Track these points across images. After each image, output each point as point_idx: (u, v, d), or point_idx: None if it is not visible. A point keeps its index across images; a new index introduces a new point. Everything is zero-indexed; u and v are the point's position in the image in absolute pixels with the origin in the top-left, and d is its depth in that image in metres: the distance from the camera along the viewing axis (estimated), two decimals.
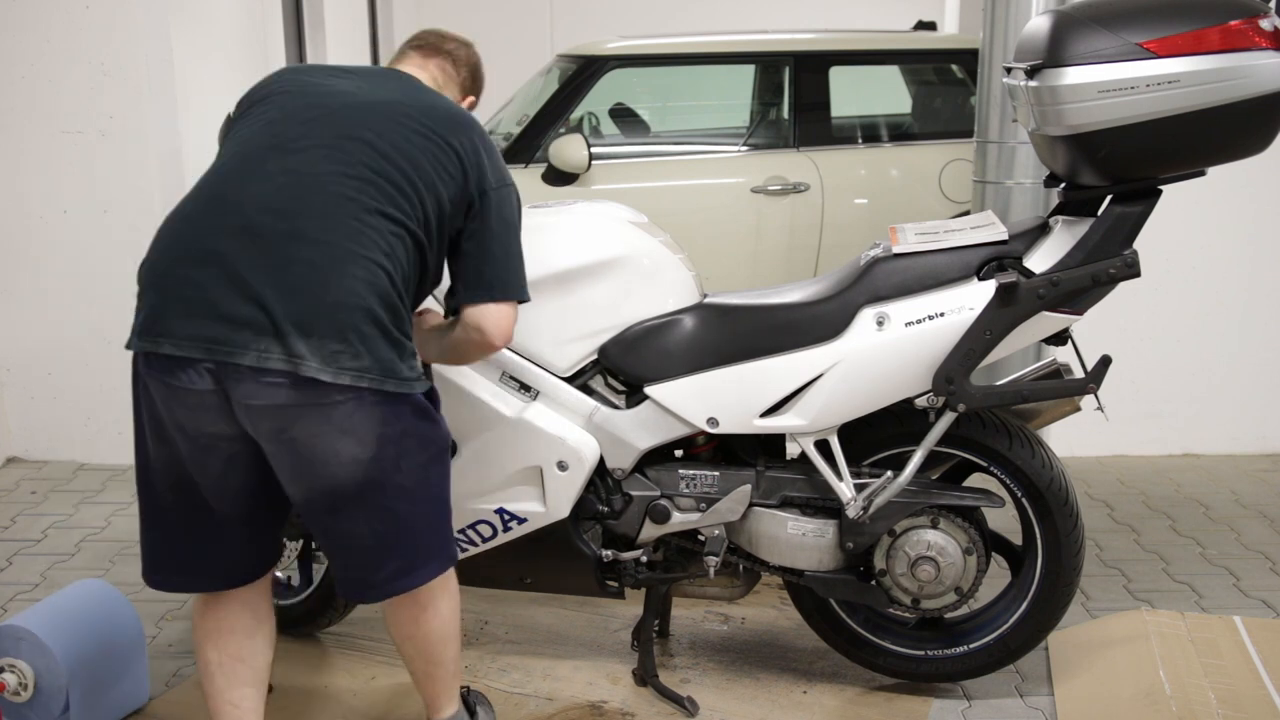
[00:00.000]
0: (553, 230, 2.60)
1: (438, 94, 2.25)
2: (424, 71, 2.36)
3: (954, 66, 5.11)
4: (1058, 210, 2.50)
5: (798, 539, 2.56)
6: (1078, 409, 2.61)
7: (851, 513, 2.49)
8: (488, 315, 2.17)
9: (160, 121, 4.15)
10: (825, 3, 12.40)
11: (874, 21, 12.52)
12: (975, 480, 2.70)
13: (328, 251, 1.93)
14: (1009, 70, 2.47)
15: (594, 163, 4.52)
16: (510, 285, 2.19)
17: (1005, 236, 2.44)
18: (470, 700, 2.46)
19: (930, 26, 5.52)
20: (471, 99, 2.45)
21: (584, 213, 2.66)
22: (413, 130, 2.08)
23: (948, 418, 2.44)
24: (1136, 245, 2.33)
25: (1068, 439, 4.16)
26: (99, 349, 4.21)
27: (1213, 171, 2.34)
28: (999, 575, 2.77)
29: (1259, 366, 4.27)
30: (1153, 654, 2.75)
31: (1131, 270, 2.31)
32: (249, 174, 2.00)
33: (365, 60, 10.69)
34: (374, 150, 2.02)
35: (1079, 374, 2.50)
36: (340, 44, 9.26)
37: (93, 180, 4.11)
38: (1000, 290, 2.33)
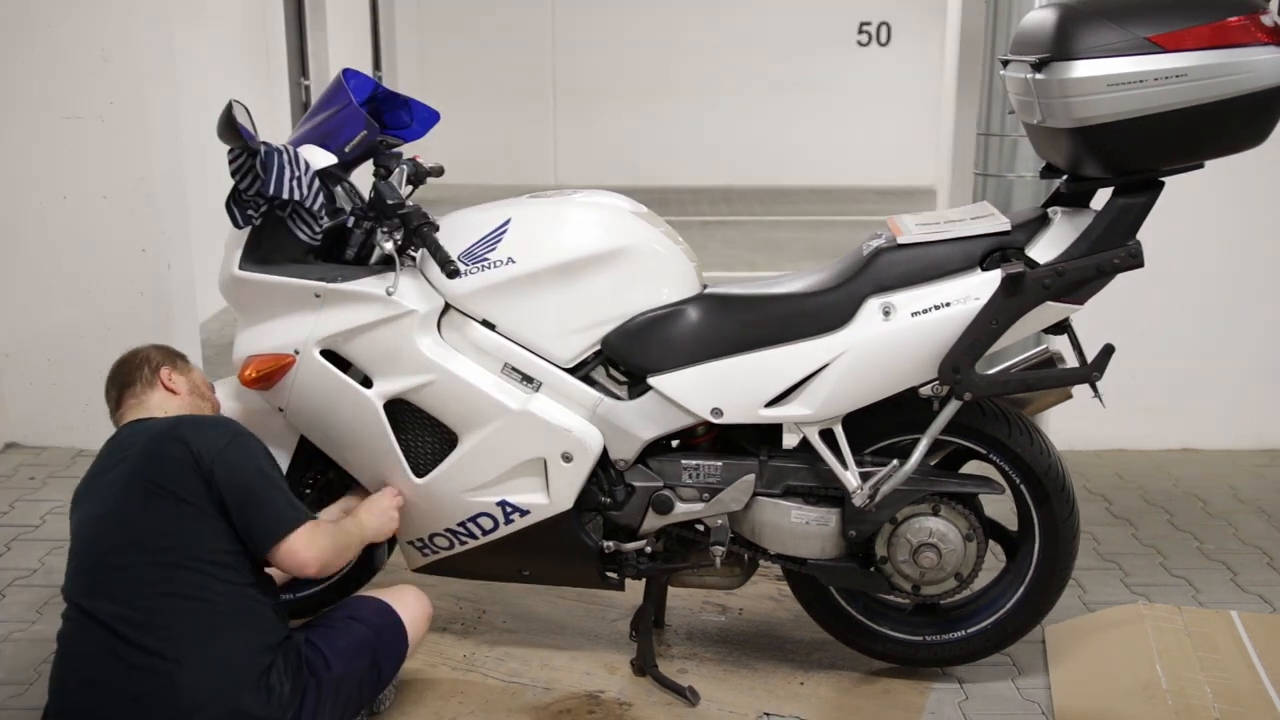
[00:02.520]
0: (554, 221, 2.59)
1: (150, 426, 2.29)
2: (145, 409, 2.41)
3: None
4: (1053, 201, 2.51)
5: (801, 527, 2.56)
6: (1070, 397, 2.62)
7: (858, 501, 2.50)
8: (294, 548, 2.19)
9: (161, 107, 4.13)
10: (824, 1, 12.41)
11: (870, 15, 12.53)
12: (969, 467, 2.71)
13: None
14: (1005, 63, 2.47)
15: None
16: (284, 518, 2.20)
17: (1008, 227, 2.45)
18: None
19: None
20: (166, 370, 2.46)
21: (585, 203, 2.66)
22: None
23: (953, 406, 2.45)
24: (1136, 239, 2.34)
25: (1065, 433, 4.15)
26: (98, 335, 4.20)
27: (1211, 166, 2.36)
28: (992, 561, 2.78)
29: (1257, 362, 4.27)
30: (1149, 648, 2.76)
31: (1135, 260, 2.33)
32: None
33: (366, 42, 10.67)
34: None
35: (1072, 362, 2.52)
36: (341, 27, 9.25)
37: (92, 166, 4.09)
38: (1006, 280, 2.34)
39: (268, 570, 2.28)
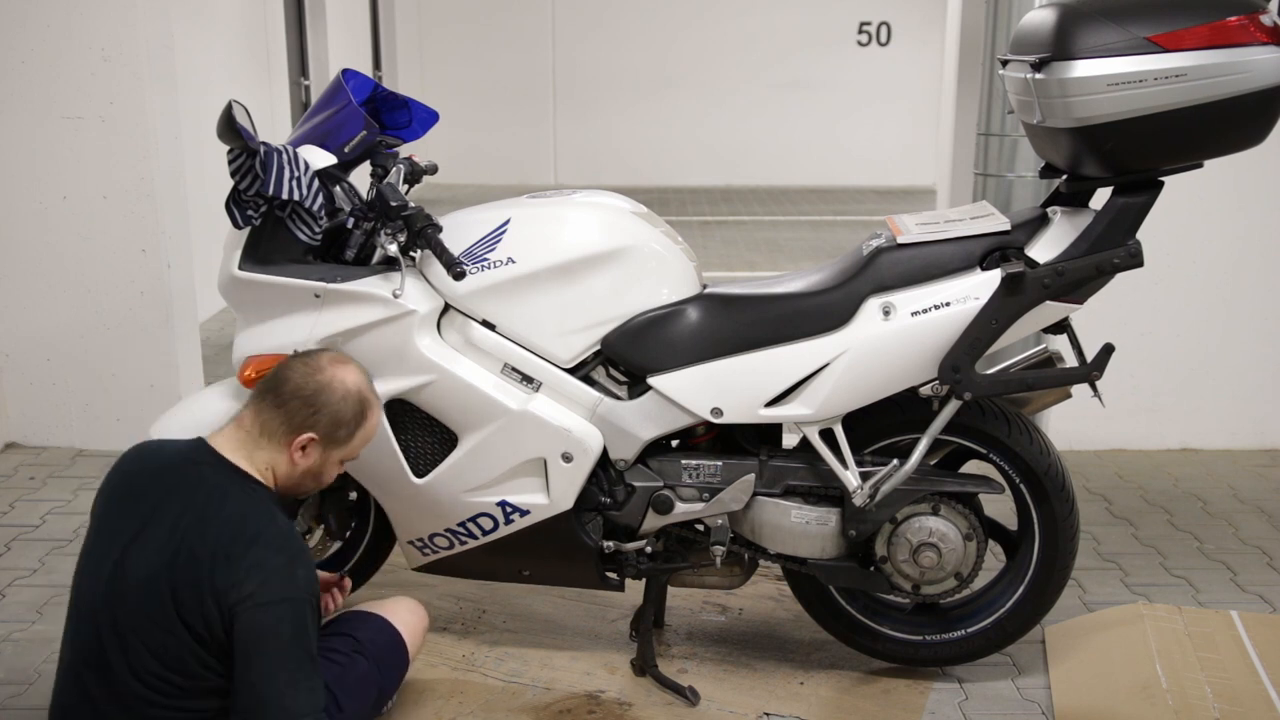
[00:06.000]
0: (554, 221, 2.59)
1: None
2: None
3: None
4: (1052, 201, 2.51)
5: (801, 527, 2.56)
6: (1069, 396, 2.63)
7: (858, 501, 2.50)
8: None
9: (160, 107, 4.13)
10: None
11: (870, 15, 12.54)
12: (969, 467, 2.71)
13: None
14: (1005, 63, 2.48)
15: None
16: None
17: (1008, 227, 2.45)
18: None
19: None
20: (312, 439, 2.09)
21: (585, 203, 2.66)
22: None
23: (953, 405, 2.45)
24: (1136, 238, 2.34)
25: (1066, 433, 4.16)
26: (97, 335, 4.21)
27: (1210, 166, 2.36)
28: (992, 561, 2.78)
29: (1257, 361, 4.27)
30: (1149, 647, 2.76)
31: (1135, 260, 2.33)
32: None
33: (366, 42, 10.67)
34: None
35: (1071, 361, 2.53)
36: (341, 27, 9.25)
37: (92, 166, 4.09)
38: (1007, 280, 2.34)
39: None
